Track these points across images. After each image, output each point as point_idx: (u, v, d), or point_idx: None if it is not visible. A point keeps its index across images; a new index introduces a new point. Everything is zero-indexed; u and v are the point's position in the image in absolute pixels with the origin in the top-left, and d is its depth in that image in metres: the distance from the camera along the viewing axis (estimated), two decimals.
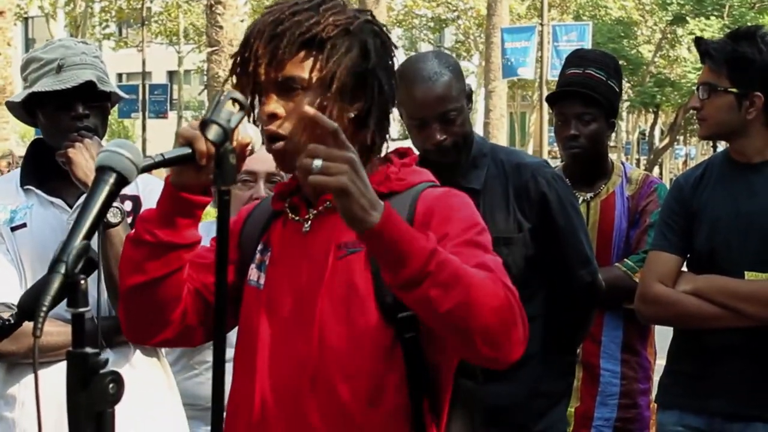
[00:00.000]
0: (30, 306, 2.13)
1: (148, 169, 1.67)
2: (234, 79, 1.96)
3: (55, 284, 1.38)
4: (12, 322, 1.96)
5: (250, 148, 1.84)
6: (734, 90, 3.01)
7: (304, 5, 1.92)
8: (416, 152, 2.09)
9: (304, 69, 1.89)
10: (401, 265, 1.66)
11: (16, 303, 2.65)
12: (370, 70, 1.93)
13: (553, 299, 3.07)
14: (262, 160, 3.25)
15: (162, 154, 1.74)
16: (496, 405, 2.93)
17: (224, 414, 1.89)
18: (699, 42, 3.13)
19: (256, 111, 1.96)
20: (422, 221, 1.89)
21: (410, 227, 1.72)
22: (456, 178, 2.91)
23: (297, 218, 1.99)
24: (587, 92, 3.53)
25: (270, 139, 1.91)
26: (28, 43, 45.34)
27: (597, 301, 3.22)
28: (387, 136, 2.00)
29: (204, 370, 3.36)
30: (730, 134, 3.09)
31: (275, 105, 1.90)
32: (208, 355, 3.33)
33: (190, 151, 1.76)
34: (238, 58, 1.94)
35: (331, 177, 1.62)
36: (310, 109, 1.74)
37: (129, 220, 2.73)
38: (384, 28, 2.01)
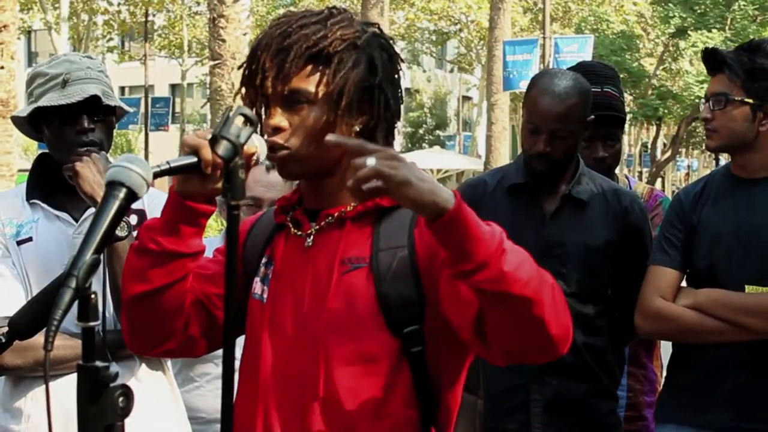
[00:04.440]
0: (21, 325, 2.13)
1: (153, 177, 1.67)
2: (243, 90, 1.95)
3: (66, 298, 1.38)
4: (3, 341, 1.95)
5: (255, 157, 1.84)
6: (750, 101, 3.01)
7: (312, 18, 1.92)
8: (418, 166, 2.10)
9: (310, 83, 1.89)
10: (480, 242, 1.62)
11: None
12: (377, 84, 1.93)
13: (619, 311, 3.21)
14: (266, 188, 3.25)
15: (168, 162, 1.74)
16: (569, 400, 3.09)
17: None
18: (714, 52, 3.11)
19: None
20: (426, 230, 1.88)
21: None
22: (546, 189, 3.15)
23: (299, 233, 1.98)
24: (616, 114, 3.57)
25: (273, 149, 1.91)
26: (31, 56, 45.40)
27: None
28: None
29: (205, 383, 3.36)
30: (740, 146, 3.07)
31: (280, 118, 1.90)
32: (209, 368, 3.34)
33: (195, 159, 1.75)
34: (246, 71, 1.94)
35: (391, 171, 1.59)
36: (331, 137, 1.73)
37: (134, 234, 2.73)
38: (391, 41, 2.01)
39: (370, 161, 1.60)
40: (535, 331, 1.69)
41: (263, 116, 1.94)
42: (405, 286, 1.87)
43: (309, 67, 1.89)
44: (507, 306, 1.66)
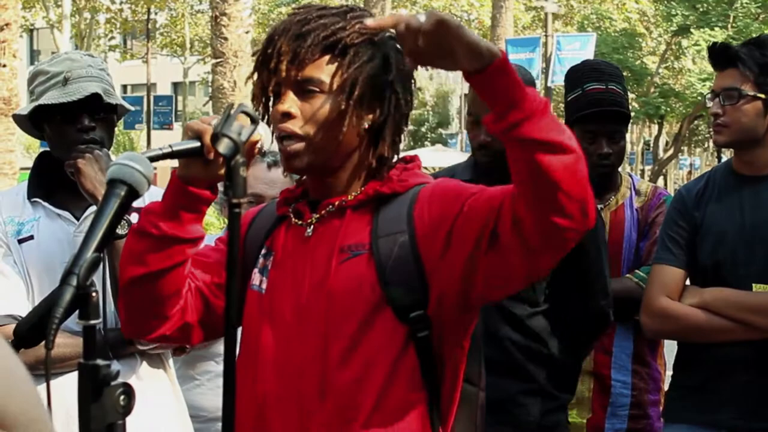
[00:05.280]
0: (27, 334, 2.13)
1: (155, 159, 1.67)
2: (255, 75, 1.95)
3: (67, 296, 1.38)
4: None
5: (258, 146, 1.84)
6: (762, 96, 3.00)
7: (332, 10, 1.94)
8: (421, 161, 2.09)
9: (324, 72, 1.89)
10: (526, 89, 1.65)
11: (22, 316, 2.65)
12: (389, 82, 1.93)
13: (564, 317, 3.10)
14: (268, 185, 3.25)
15: (170, 145, 1.74)
16: (500, 399, 2.99)
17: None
18: (725, 47, 3.09)
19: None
20: (426, 210, 1.89)
21: None
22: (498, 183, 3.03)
23: (300, 222, 1.99)
24: (621, 110, 3.55)
25: (283, 138, 1.91)
26: (33, 54, 45.44)
27: (607, 328, 3.24)
28: (398, 150, 2.00)
29: (206, 381, 3.36)
30: (748, 142, 3.05)
31: (291, 104, 1.90)
32: (210, 366, 3.34)
33: (198, 144, 1.75)
34: (261, 56, 1.94)
35: (448, 18, 1.62)
36: (369, 21, 1.76)
37: None
38: None
39: (422, 17, 1.62)
40: (578, 186, 1.69)
41: (272, 103, 1.94)
42: (407, 271, 1.87)
43: (325, 57, 1.89)
44: (555, 157, 1.66)
